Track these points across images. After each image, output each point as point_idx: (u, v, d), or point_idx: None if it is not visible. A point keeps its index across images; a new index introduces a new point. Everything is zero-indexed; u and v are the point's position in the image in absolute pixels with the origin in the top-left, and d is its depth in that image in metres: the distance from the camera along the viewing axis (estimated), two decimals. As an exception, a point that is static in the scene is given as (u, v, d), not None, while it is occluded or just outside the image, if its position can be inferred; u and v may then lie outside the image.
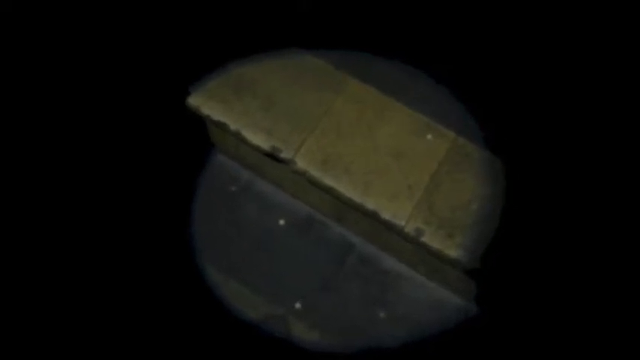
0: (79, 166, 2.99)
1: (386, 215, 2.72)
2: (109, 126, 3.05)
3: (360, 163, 2.78)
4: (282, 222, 3.02)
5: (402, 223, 2.72)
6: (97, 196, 2.98)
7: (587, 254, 2.73)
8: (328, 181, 2.76)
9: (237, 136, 2.83)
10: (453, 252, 2.69)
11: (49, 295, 2.80)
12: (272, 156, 2.80)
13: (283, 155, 2.78)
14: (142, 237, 2.92)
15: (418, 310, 2.94)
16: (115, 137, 3.04)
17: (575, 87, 2.91)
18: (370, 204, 2.73)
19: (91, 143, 3.02)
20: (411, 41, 3.06)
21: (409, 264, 2.97)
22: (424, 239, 2.71)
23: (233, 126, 2.81)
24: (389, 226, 2.74)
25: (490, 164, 2.83)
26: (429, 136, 2.85)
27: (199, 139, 3.08)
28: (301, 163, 2.78)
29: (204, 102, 2.84)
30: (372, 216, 2.75)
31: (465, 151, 2.84)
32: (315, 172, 2.77)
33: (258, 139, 2.80)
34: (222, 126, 2.84)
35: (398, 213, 2.72)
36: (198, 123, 3.00)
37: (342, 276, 2.97)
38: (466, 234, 2.71)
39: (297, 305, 2.90)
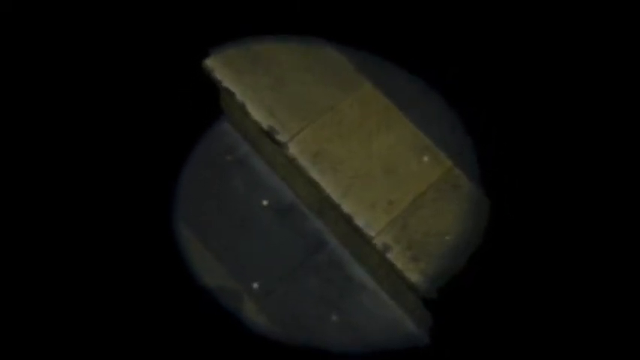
0: (93, 119, 3.06)
1: (359, 222, 2.72)
2: (124, 81, 3.10)
3: (350, 166, 2.78)
4: (265, 202, 3.05)
5: (372, 234, 2.71)
6: (103, 138, 3.05)
7: (554, 314, 2.68)
8: (313, 173, 2.77)
9: (241, 107, 2.86)
10: (413, 276, 2.67)
11: (30, 257, 2.85)
12: (268, 135, 2.83)
13: (278, 137, 2.81)
14: (125, 185, 2.97)
15: (371, 324, 2.93)
16: (130, 90, 3.09)
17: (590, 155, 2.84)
18: (346, 207, 2.73)
19: (108, 91, 3.08)
20: (441, 64, 3.04)
21: (375, 277, 2.96)
22: (389, 256, 2.70)
23: (239, 97, 2.85)
24: (360, 234, 2.74)
25: (478, 203, 2.79)
26: (426, 158, 2.83)
27: (211, 103, 3.13)
28: (293, 150, 2.80)
29: (219, 67, 2.89)
30: (346, 220, 2.75)
31: (457, 183, 2.81)
32: (303, 162, 2.78)
33: (259, 115, 2.83)
34: (230, 94, 2.88)
35: (371, 223, 2.72)
36: (214, 87, 3.05)
37: (306, 270, 2.98)
38: (432, 262, 2.68)
39: (255, 285, 2.93)
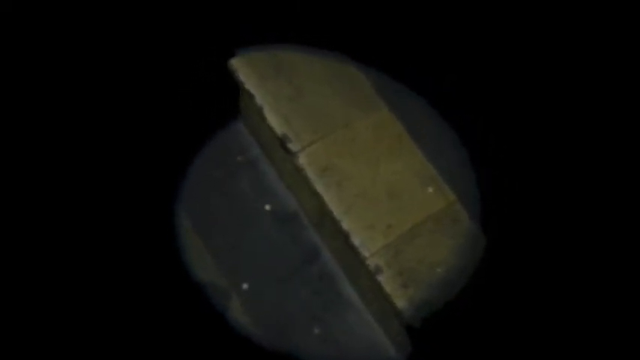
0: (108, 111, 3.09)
1: (355, 240, 2.76)
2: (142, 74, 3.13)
3: (355, 185, 2.83)
4: (267, 207, 3.10)
5: (367, 254, 2.75)
6: (120, 127, 3.09)
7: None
8: (319, 186, 2.81)
9: (258, 111, 2.92)
10: (400, 302, 2.71)
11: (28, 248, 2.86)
12: (281, 142, 2.88)
13: (290, 146, 2.86)
14: (134, 175, 3.01)
15: (351, 343, 2.96)
16: (152, 82, 3.12)
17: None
18: (346, 224, 2.77)
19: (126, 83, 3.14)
20: (459, 101, 3.08)
21: (362, 297, 3.00)
22: (380, 278, 2.73)
23: (259, 100, 2.91)
24: (354, 252, 2.78)
25: (474, 240, 2.83)
26: (430, 189, 2.87)
27: (230, 102, 3.18)
28: (303, 160, 2.84)
29: (243, 68, 2.95)
30: (344, 236, 2.79)
31: (457, 218, 2.85)
32: (310, 174, 2.83)
33: (275, 121, 2.88)
34: (250, 96, 2.93)
35: (367, 243, 2.76)
36: (236, 87, 3.11)
37: (297, 280, 3.02)
38: (420, 291, 2.72)
39: (244, 286, 2.97)
